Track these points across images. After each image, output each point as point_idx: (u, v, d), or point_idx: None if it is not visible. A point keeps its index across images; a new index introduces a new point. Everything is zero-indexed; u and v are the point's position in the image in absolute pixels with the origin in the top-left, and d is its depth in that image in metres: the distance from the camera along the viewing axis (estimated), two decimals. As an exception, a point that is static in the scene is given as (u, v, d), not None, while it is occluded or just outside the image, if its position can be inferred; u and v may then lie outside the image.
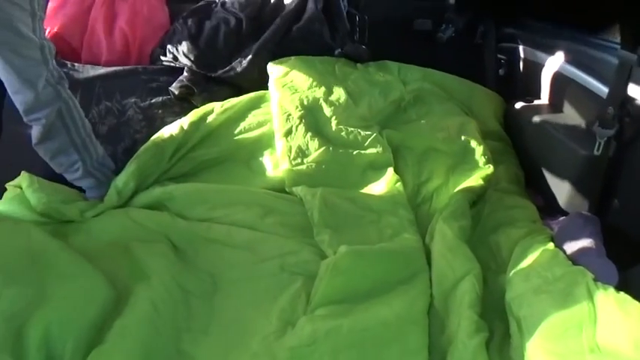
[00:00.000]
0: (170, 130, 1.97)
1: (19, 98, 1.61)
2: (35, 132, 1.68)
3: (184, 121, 2.01)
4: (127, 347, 1.24)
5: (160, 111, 2.11)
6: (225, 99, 2.17)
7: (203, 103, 2.17)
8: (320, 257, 1.59)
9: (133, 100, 2.07)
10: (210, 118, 2.05)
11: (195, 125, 2.01)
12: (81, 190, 1.86)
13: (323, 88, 2.21)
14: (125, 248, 1.58)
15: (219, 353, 1.32)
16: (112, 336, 1.24)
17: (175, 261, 1.58)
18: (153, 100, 2.11)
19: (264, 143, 2.06)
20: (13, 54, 1.53)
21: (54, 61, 1.66)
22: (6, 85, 1.60)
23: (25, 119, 1.66)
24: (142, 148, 1.91)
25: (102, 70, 2.16)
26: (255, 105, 2.21)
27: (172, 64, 2.32)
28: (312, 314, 1.35)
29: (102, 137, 1.95)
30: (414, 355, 1.26)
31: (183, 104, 2.21)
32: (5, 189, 1.72)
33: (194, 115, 2.06)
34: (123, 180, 1.81)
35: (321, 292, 1.40)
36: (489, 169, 2.00)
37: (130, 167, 1.83)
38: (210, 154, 2.01)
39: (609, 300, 1.11)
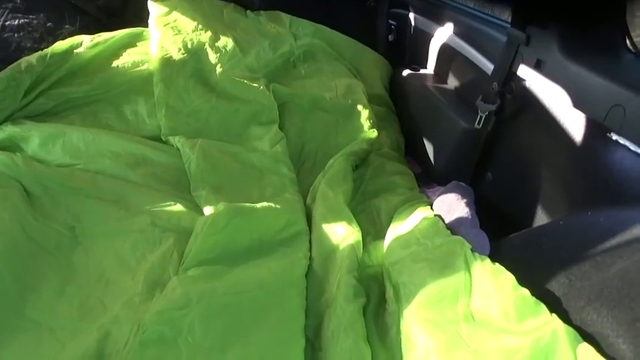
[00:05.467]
0: (29, 60, 1.70)
1: None
2: None
3: (47, 52, 1.75)
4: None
5: (15, 35, 1.83)
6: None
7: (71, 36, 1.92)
8: (196, 213, 1.49)
9: (-18, 20, 1.77)
10: (77, 52, 1.81)
11: (59, 57, 1.77)
12: None
13: (209, 33, 2.05)
14: (-34, 193, 1.36)
15: (72, 317, 1.18)
16: None
17: (27, 210, 1.37)
18: (7, 22, 1.82)
19: (139, 86, 1.87)
20: None
21: None
22: None
23: None
24: (-7, 79, 1.64)
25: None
26: (131, 42, 2.00)
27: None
28: (184, 275, 1.25)
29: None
30: (292, 318, 1.21)
31: (46, 32, 1.93)
32: None
33: (59, 46, 1.80)
34: None
35: (195, 251, 1.30)
36: (373, 133, 2.00)
37: None
38: (77, 93, 1.79)
39: (485, 271, 1.14)
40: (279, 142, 1.88)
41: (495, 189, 1.73)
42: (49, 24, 1.95)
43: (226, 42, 2.06)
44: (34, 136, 1.58)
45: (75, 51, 1.82)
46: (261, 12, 2.39)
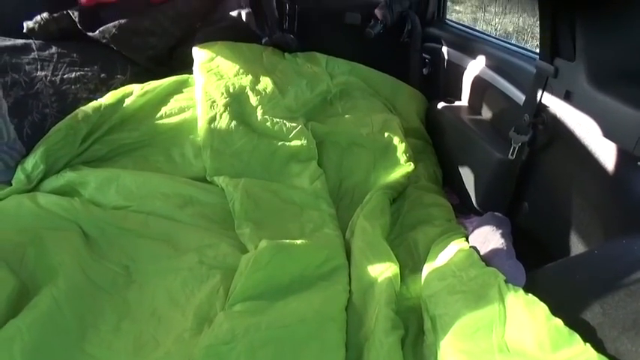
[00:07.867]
0: (85, 110, 1.85)
1: None
2: None
3: (101, 102, 1.90)
4: (12, 351, 1.16)
5: (72, 87, 1.98)
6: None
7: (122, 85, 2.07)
8: (240, 251, 1.56)
9: (43, 74, 1.92)
10: (129, 101, 1.95)
11: (112, 107, 1.91)
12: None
13: (250, 77, 2.16)
14: (33, 236, 1.47)
15: (127, 352, 1.26)
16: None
17: (86, 252, 1.49)
18: (65, 76, 1.98)
19: (185, 130, 1.99)
20: None
21: None
22: None
23: None
24: (53, 128, 1.79)
25: (10, 42, 1.98)
26: (177, 89, 2.13)
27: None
28: (230, 310, 1.32)
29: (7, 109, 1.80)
30: (332, 351, 1.27)
31: (100, 82, 2.08)
32: None
33: (112, 96, 1.95)
34: (32, 162, 1.70)
35: (240, 288, 1.37)
36: (410, 166, 2.04)
37: (40, 149, 1.72)
38: (129, 139, 1.92)
39: (519, 302, 1.16)
40: (318, 178, 1.95)
41: (532, 218, 1.74)
42: (102, 75, 2.10)
43: (266, 84, 2.16)
44: (90, 181, 1.70)
45: (126, 100, 1.95)
46: (298, 53, 2.50)
